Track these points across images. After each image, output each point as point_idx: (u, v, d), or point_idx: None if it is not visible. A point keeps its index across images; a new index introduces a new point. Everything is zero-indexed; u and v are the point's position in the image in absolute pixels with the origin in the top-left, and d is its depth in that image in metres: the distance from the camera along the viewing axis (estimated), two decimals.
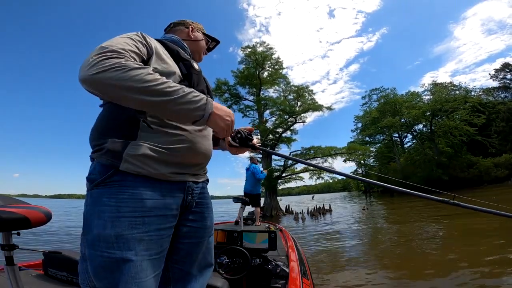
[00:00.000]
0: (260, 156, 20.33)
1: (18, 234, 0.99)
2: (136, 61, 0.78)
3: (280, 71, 21.27)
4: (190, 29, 1.19)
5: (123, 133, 0.81)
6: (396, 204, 18.34)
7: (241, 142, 1.06)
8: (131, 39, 0.83)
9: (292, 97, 20.89)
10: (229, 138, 1.06)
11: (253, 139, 1.09)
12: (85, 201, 0.77)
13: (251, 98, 21.51)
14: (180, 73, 0.95)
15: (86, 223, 0.74)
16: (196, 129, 0.94)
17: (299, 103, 20.26)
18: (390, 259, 4.62)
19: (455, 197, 0.93)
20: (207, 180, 1.08)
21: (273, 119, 21.38)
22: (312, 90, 21.07)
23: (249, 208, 7.29)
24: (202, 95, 0.79)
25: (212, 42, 1.32)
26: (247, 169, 6.10)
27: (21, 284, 1.01)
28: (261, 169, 6.13)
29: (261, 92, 21.07)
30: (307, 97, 20.43)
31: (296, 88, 20.85)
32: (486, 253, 4.25)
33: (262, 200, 19.12)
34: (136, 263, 0.71)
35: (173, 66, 0.93)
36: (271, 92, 21.99)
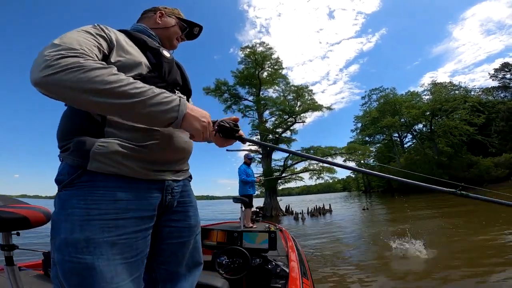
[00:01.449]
0: (260, 156, 20.37)
1: (18, 234, 0.99)
2: (97, 57, 0.72)
3: (280, 71, 21.32)
4: (158, 14, 1.09)
5: (89, 131, 0.75)
6: (397, 204, 18.35)
7: (227, 133, 0.96)
8: (89, 33, 0.75)
9: (291, 97, 20.93)
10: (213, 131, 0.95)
11: (239, 130, 0.99)
12: (54, 204, 0.73)
13: (250, 98, 21.56)
14: (148, 63, 0.87)
15: (54, 226, 0.69)
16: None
17: (298, 103, 20.29)
18: (390, 259, 4.62)
19: (461, 188, 0.86)
20: (190, 177, 1.02)
21: (273, 119, 21.47)
22: (311, 90, 21.12)
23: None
24: (174, 96, 0.73)
25: (195, 28, 1.21)
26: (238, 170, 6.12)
27: (21, 284, 1.01)
28: (250, 171, 6.05)
29: (261, 92, 21.10)
30: (306, 97, 20.47)
31: (295, 88, 20.87)
32: (487, 244, 4.26)
33: (262, 200, 19.14)
34: (110, 267, 0.66)
35: (138, 56, 0.86)
36: (271, 92, 22.05)
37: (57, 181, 0.74)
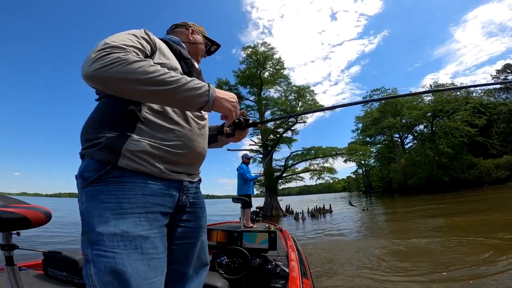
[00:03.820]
0: (261, 156, 20.37)
1: (18, 234, 0.99)
2: (139, 55, 0.77)
3: (282, 71, 21.26)
4: (190, 31, 1.19)
5: (121, 127, 0.78)
6: (397, 204, 18.33)
7: (242, 127, 1.04)
8: (134, 35, 0.83)
9: (293, 97, 20.88)
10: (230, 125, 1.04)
11: (249, 119, 1.06)
12: (79, 200, 0.75)
13: (252, 98, 21.52)
14: (181, 70, 0.96)
15: (86, 222, 0.70)
16: (196, 127, 0.94)
17: (300, 103, 20.24)
18: (391, 259, 4.61)
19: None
20: (200, 180, 1.07)
21: None
22: (313, 91, 21.06)
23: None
24: (204, 82, 0.80)
25: (213, 46, 1.32)
26: (238, 169, 6.00)
27: (21, 284, 1.01)
28: (251, 171, 6.00)
29: (262, 92, 21.07)
30: (308, 97, 20.42)
31: (297, 88, 20.81)
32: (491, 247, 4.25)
33: (262, 200, 19.13)
34: (144, 262, 0.68)
35: (175, 63, 0.94)
36: (272, 92, 21.99)
37: (83, 177, 0.75)
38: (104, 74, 0.67)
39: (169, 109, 0.87)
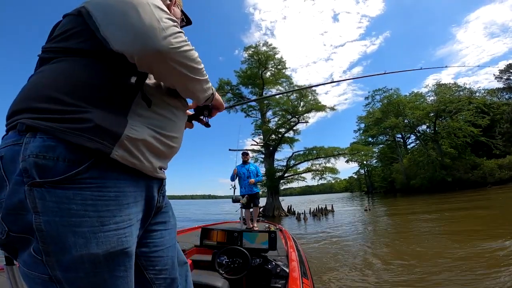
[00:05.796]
0: (263, 156, 20.36)
1: None
2: None
3: (283, 71, 21.26)
4: (174, 1, 0.96)
5: (115, 104, 0.60)
6: (399, 204, 18.25)
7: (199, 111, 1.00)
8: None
9: (295, 97, 20.86)
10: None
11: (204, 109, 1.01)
12: (34, 204, 0.49)
13: (253, 98, 21.50)
14: None
15: (55, 240, 0.49)
16: (183, 115, 0.83)
17: (302, 103, 20.19)
18: (392, 259, 4.60)
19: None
20: None
21: (276, 119, 21.36)
22: (315, 90, 20.96)
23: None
24: None
25: (183, 24, 1.09)
26: (247, 168, 5.69)
27: (21, 284, 1.01)
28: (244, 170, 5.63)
29: (264, 92, 21.03)
30: (310, 97, 20.36)
31: (298, 87, 20.78)
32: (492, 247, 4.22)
33: (264, 200, 19.13)
34: (128, 279, 0.59)
35: None
36: (274, 92, 21.96)
37: (36, 167, 0.50)
38: (177, 55, 0.59)
39: (163, 88, 0.74)
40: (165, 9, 0.61)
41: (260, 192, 5.75)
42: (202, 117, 1.01)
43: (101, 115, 0.55)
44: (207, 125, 1.02)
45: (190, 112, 1.03)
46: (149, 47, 0.55)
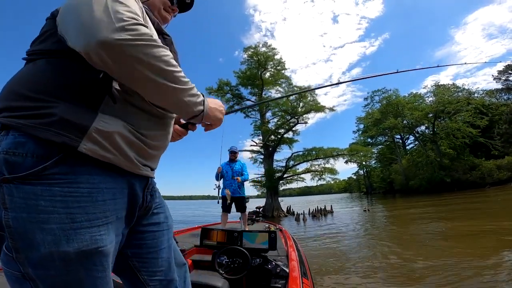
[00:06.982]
0: (262, 157, 20.35)
1: None
2: None
3: (283, 71, 21.27)
4: None
5: (85, 98, 0.58)
6: (398, 205, 18.27)
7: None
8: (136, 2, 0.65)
9: (294, 98, 20.87)
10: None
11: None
12: (3, 200, 0.50)
13: (253, 98, 21.46)
14: None
15: (23, 236, 0.49)
16: (171, 114, 0.80)
17: (301, 104, 20.20)
18: (392, 260, 4.60)
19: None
20: None
21: (275, 120, 21.35)
22: (314, 91, 21.01)
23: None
24: (198, 91, 0.71)
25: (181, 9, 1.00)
26: (233, 166, 5.12)
27: None
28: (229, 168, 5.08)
29: (263, 93, 21.04)
30: (309, 98, 20.38)
31: (298, 89, 20.80)
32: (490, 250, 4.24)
33: (264, 201, 19.13)
34: (106, 280, 0.58)
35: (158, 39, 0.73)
36: (273, 93, 21.95)
37: (10, 163, 0.51)
38: (129, 49, 0.52)
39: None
40: (128, 2, 0.58)
41: (247, 197, 5.08)
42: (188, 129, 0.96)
43: (67, 109, 0.54)
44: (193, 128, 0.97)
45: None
46: (92, 39, 0.51)
